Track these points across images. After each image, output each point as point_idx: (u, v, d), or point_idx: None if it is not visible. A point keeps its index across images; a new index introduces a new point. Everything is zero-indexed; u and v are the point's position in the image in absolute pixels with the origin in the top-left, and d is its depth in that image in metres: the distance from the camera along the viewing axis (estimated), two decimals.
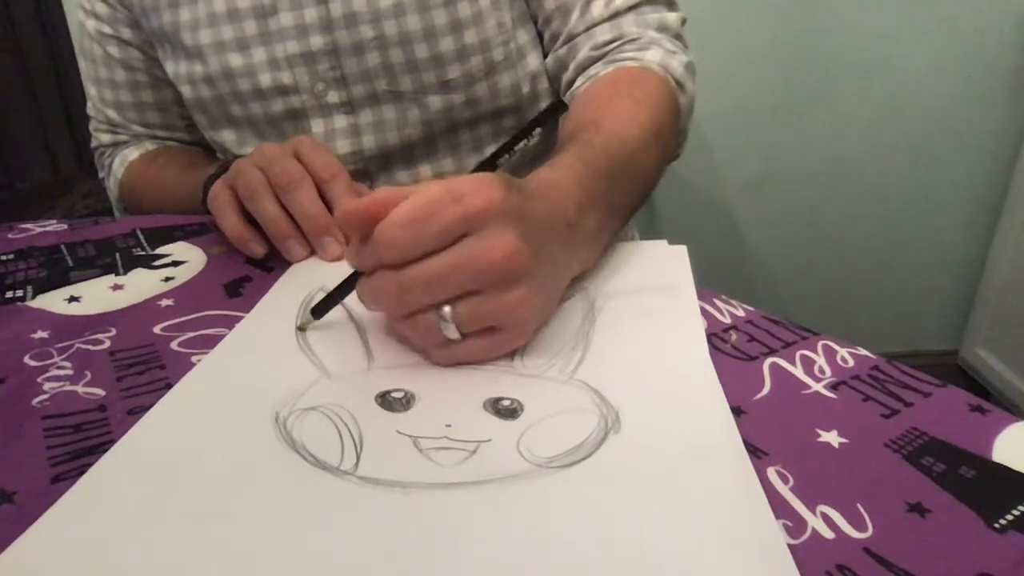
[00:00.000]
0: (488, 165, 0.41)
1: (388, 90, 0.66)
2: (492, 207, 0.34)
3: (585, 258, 0.44)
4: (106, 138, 0.78)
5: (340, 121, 0.67)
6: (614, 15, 0.64)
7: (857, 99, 1.35)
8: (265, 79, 0.65)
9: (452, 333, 0.36)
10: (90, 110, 0.78)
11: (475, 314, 0.35)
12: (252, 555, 0.26)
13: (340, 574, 0.25)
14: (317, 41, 0.64)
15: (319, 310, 0.42)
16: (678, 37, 0.67)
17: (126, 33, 0.72)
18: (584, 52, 0.65)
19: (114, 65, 0.74)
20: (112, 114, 0.76)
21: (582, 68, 0.66)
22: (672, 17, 0.66)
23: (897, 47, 1.31)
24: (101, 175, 0.82)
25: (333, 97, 0.66)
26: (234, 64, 0.65)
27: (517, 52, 0.68)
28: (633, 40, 0.64)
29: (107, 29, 0.72)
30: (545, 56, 0.70)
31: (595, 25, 0.65)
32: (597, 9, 0.64)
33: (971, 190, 1.43)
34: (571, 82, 0.66)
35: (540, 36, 0.70)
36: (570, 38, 0.66)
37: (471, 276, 0.34)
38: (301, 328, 0.42)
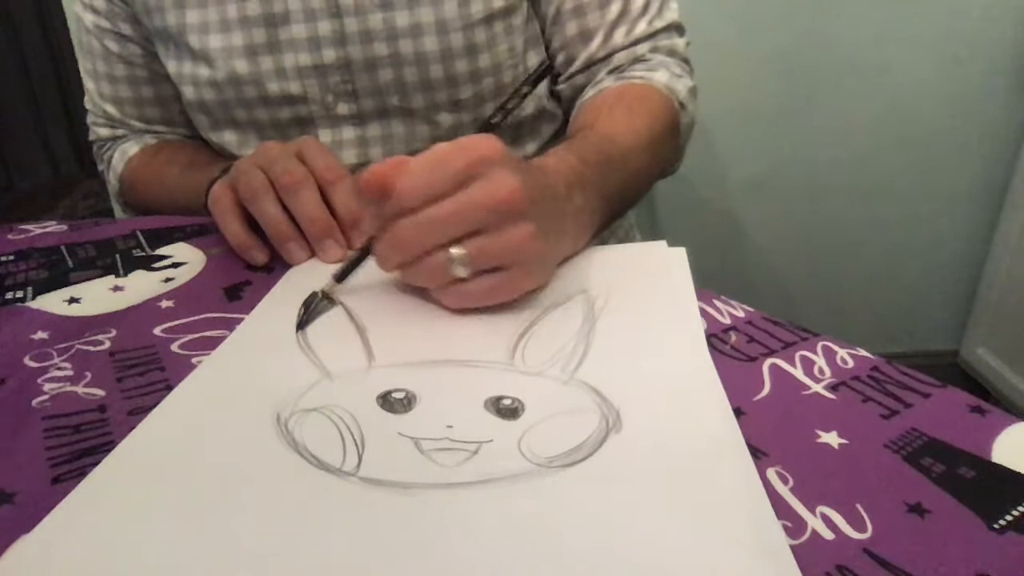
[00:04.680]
0: (485, 128, 0.44)
1: (399, 106, 0.66)
2: (496, 154, 0.39)
3: (574, 235, 0.46)
4: (104, 132, 0.78)
5: (348, 132, 0.68)
6: (634, 42, 0.67)
7: (857, 99, 1.35)
8: (273, 87, 0.65)
9: (461, 272, 0.39)
10: (87, 104, 0.78)
11: (483, 251, 0.39)
12: (254, 556, 0.26)
13: (342, 575, 0.25)
14: (330, 54, 0.64)
15: (341, 276, 0.45)
16: (686, 61, 0.70)
17: (125, 28, 0.71)
18: (602, 75, 0.67)
19: (113, 60, 0.73)
20: (111, 109, 0.76)
21: (597, 85, 0.67)
22: (680, 43, 0.69)
23: (897, 47, 1.31)
24: (100, 168, 0.82)
25: (343, 109, 0.66)
26: (241, 70, 0.65)
27: (525, 74, 0.68)
28: (644, 60, 0.67)
29: (105, 23, 0.71)
30: (555, 77, 0.71)
31: (615, 52, 0.67)
32: (619, 37, 0.66)
33: (971, 190, 1.43)
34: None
35: (551, 58, 0.70)
36: (589, 64, 0.68)
37: (478, 213, 0.38)
38: (326, 295, 0.44)
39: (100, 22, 0.71)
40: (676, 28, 0.69)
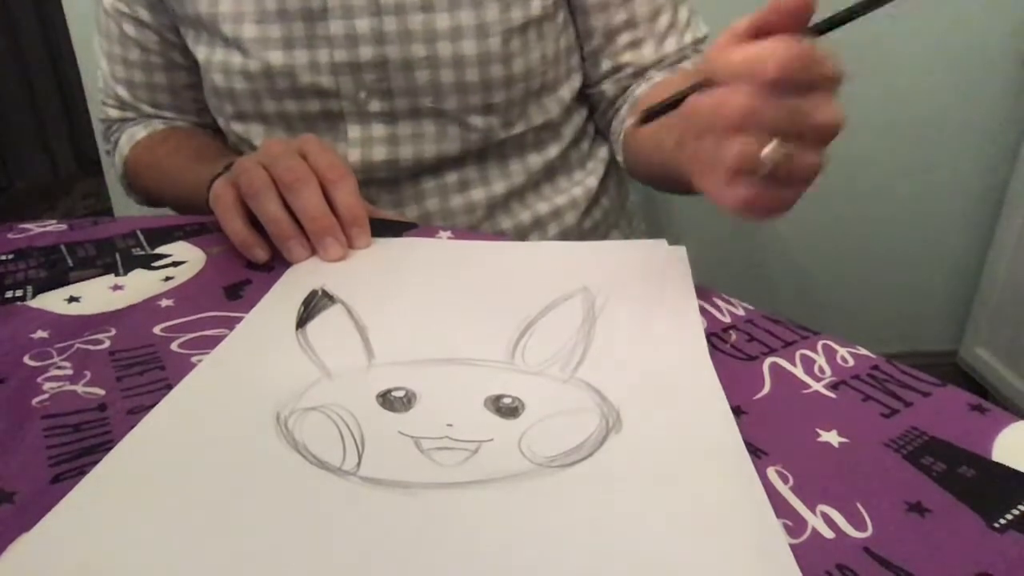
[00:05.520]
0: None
1: (432, 107, 0.66)
2: (843, 78, 0.39)
3: None
4: (114, 114, 0.78)
5: (379, 129, 0.67)
6: (680, 49, 0.70)
7: (857, 99, 1.34)
8: (305, 80, 0.65)
9: (764, 168, 0.37)
10: (100, 83, 0.78)
11: (794, 158, 0.38)
12: (255, 556, 0.26)
13: (342, 574, 0.25)
14: (367, 52, 0.64)
15: (650, 115, 0.42)
16: None
17: (143, 14, 0.71)
18: (651, 72, 0.71)
19: (128, 44, 0.73)
20: (122, 91, 0.76)
21: (649, 81, 0.70)
22: None
23: (897, 47, 1.31)
24: (106, 148, 0.82)
25: (375, 106, 0.66)
26: (275, 62, 0.65)
27: (553, 81, 0.70)
28: (687, 58, 0.71)
29: (123, 7, 0.71)
30: (595, 81, 0.73)
31: (665, 56, 0.70)
32: (670, 45, 0.70)
33: (971, 190, 1.42)
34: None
35: (595, 66, 0.72)
36: (641, 71, 0.70)
37: (815, 125, 0.38)
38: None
39: (119, 5, 0.71)
40: (704, 41, 0.74)
